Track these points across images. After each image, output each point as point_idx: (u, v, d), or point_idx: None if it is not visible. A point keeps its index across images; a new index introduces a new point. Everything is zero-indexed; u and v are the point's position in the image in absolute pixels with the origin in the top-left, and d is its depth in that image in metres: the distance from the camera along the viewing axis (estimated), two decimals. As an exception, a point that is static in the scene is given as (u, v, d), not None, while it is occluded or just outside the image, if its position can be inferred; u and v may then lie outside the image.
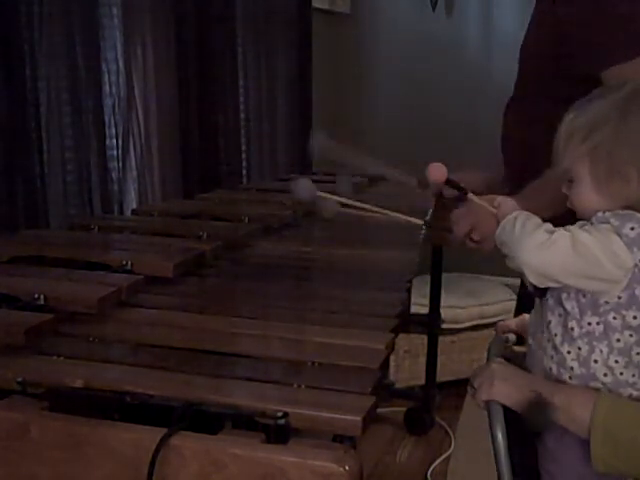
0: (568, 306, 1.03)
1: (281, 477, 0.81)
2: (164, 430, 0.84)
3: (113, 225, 1.82)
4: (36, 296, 1.16)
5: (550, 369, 1.05)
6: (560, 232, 1.00)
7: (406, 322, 1.19)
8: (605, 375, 1.01)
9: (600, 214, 1.02)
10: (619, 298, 1.00)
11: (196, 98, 2.53)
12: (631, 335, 1.00)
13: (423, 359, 2.84)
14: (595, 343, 1.01)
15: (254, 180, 2.94)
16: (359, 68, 3.55)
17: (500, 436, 1.07)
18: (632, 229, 0.98)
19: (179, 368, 0.99)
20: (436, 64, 3.46)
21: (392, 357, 2.86)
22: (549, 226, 1.02)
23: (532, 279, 1.01)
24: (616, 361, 1.01)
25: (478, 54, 3.53)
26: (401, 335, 1.19)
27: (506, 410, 1.10)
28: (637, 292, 0.99)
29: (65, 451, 0.87)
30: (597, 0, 1.38)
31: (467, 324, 3.07)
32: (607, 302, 1.00)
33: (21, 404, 0.92)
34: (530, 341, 1.11)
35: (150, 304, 1.25)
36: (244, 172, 2.95)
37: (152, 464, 0.82)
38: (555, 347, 1.04)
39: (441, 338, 2.85)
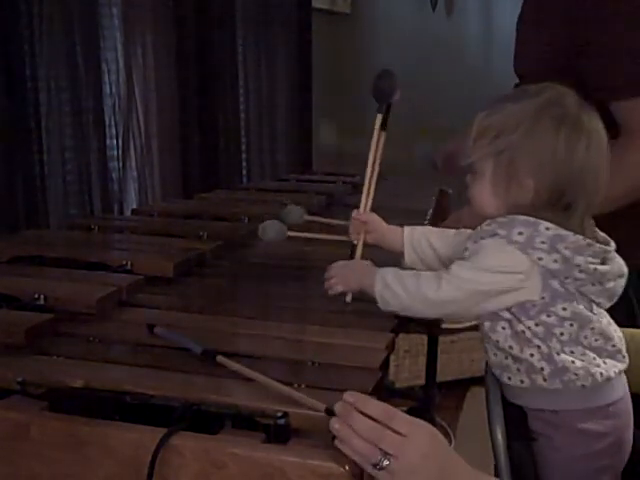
0: (506, 315, 1.03)
1: (281, 477, 0.81)
2: (164, 430, 0.84)
3: (113, 225, 1.82)
4: (36, 296, 1.15)
5: (522, 382, 1.04)
6: (443, 282, 1.03)
7: (406, 322, 1.18)
8: (573, 362, 1.01)
9: (486, 226, 1.03)
10: (543, 299, 1.01)
11: (196, 98, 2.53)
12: (572, 324, 1.01)
13: (423, 359, 2.83)
14: (547, 341, 1.02)
15: (254, 180, 2.94)
16: (359, 68, 3.55)
17: (500, 436, 1.07)
18: (520, 234, 0.99)
19: (179, 368, 0.99)
20: (436, 64, 3.46)
21: (392, 357, 2.85)
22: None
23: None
24: (572, 351, 1.02)
25: (478, 54, 3.53)
26: (401, 335, 1.18)
27: (506, 410, 1.10)
28: (554, 285, 1.00)
29: (65, 451, 0.87)
30: (615, 30, 1.32)
31: (467, 324, 3.07)
32: (534, 305, 1.01)
33: (21, 404, 0.91)
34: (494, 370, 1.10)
35: (150, 304, 1.25)
36: (244, 172, 2.95)
37: (152, 464, 0.82)
38: (516, 358, 1.03)
39: (441, 338, 2.84)
